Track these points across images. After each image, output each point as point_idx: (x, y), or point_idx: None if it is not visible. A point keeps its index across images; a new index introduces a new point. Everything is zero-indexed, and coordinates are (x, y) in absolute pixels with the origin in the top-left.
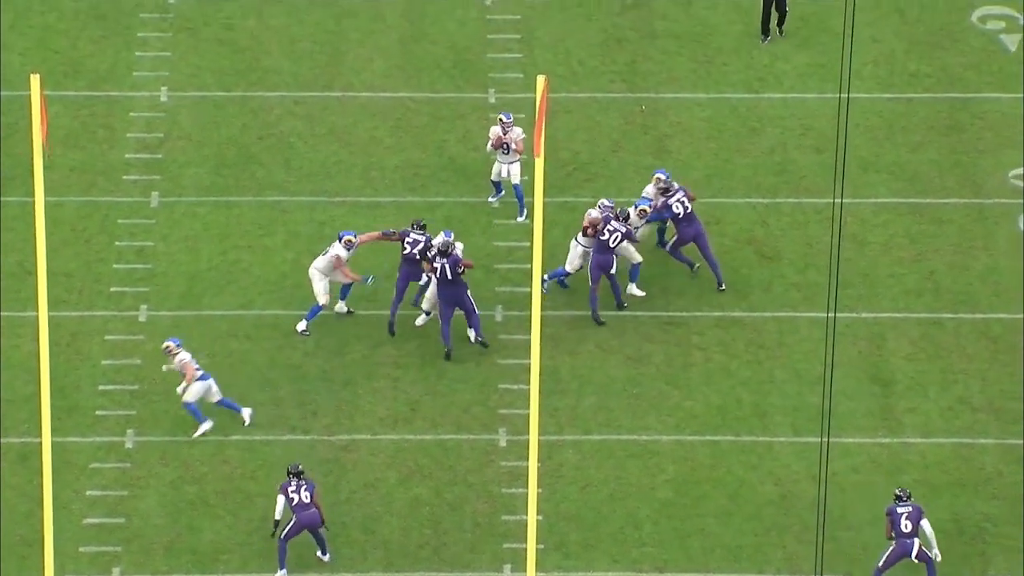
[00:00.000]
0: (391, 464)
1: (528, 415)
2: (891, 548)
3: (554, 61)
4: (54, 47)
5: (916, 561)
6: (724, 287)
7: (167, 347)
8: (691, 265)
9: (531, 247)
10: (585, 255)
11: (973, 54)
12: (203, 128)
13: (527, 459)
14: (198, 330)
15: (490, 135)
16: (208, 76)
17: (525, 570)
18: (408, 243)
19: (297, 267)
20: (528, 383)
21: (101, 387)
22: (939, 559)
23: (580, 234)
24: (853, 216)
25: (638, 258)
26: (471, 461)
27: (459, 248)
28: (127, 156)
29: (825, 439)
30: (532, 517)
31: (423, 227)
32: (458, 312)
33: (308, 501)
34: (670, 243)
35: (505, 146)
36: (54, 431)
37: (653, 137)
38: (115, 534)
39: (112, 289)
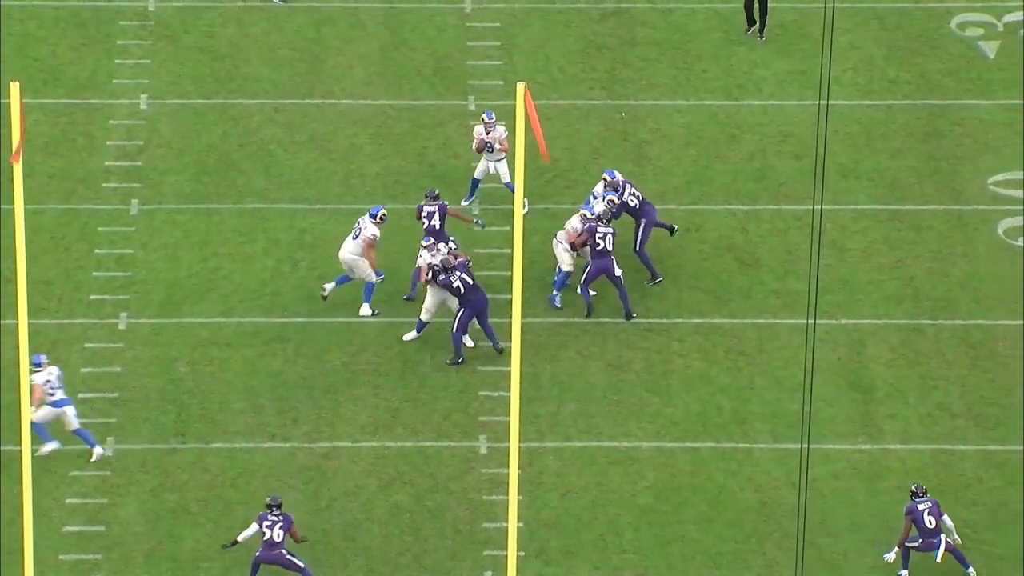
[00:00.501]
0: (372, 471)
1: (508, 422)
2: (915, 544)
3: (534, 68)
4: (34, 55)
5: (939, 559)
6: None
7: (33, 363)
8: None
9: (511, 254)
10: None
11: (952, 61)
12: (183, 136)
13: (508, 466)
14: (178, 337)
15: (474, 134)
16: (188, 84)
17: None
18: (425, 216)
19: (277, 274)
20: (508, 390)
21: (81, 395)
22: (960, 543)
23: (562, 234)
24: (833, 223)
25: (568, 264)
26: (452, 468)
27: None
28: (107, 164)
29: (805, 445)
30: (513, 524)
31: (436, 196)
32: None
33: (279, 540)
34: (637, 242)
35: (489, 145)
36: (34, 439)
37: (633, 144)
38: (95, 542)
39: (92, 297)
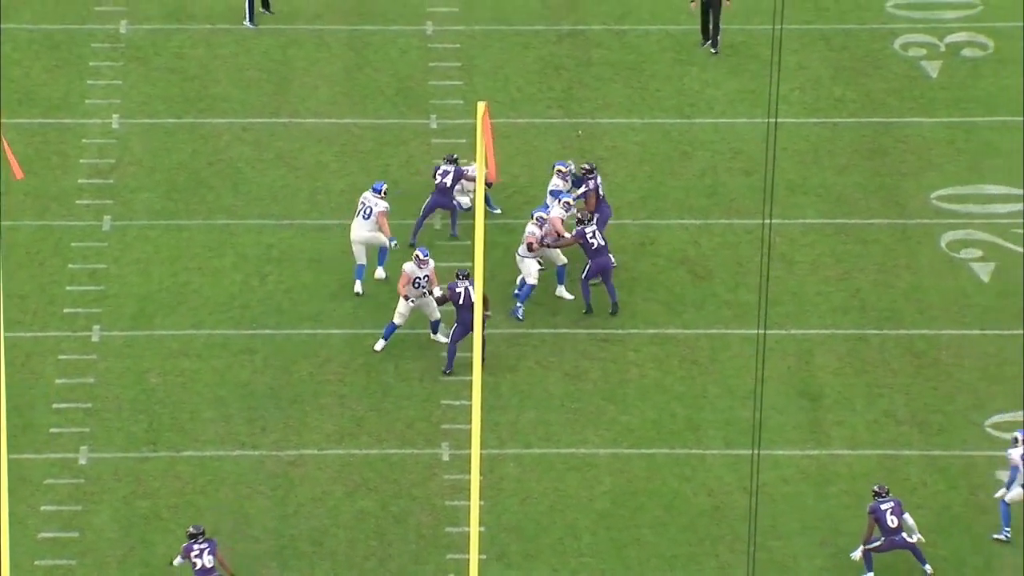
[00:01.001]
0: (337, 478)
1: (470, 430)
2: (877, 543)
3: (493, 88)
4: (8, 76)
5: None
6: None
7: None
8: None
9: (471, 267)
10: (537, 261)
11: (896, 80)
12: (154, 154)
13: (469, 472)
14: (150, 349)
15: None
16: (159, 104)
17: None
18: (439, 173)
19: (246, 288)
20: (470, 399)
21: (55, 405)
22: (923, 541)
23: (524, 248)
24: (782, 236)
25: (563, 260)
26: (415, 475)
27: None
28: (80, 181)
29: (756, 451)
30: (474, 529)
31: (454, 160)
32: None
33: (211, 566)
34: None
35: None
36: (9, 448)
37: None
38: (69, 548)
39: (66, 310)
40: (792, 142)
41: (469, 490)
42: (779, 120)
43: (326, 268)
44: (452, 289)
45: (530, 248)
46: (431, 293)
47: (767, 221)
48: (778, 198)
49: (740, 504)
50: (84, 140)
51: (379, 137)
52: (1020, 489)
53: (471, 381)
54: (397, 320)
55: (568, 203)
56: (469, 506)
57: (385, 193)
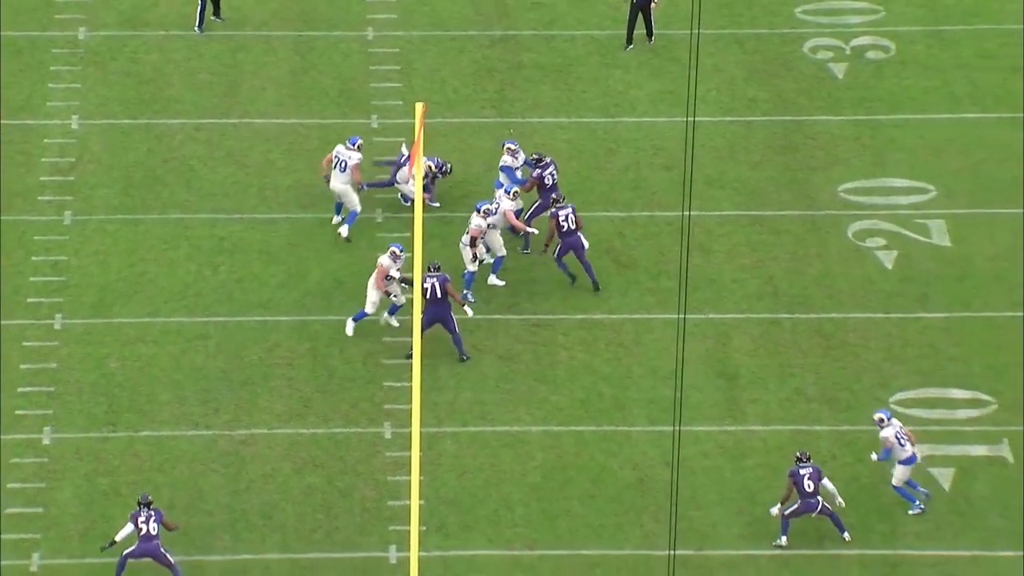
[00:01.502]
0: (286, 456)
1: (410, 409)
2: (794, 506)
3: (431, 89)
4: None
5: (816, 516)
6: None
7: None
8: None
9: (411, 258)
10: (481, 251)
11: (805, 81)
12: (112, 152)
13: (410, 449)
14: (109, 336)
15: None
16: (116, 105)
17: (409, 550)
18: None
19: (199, 278)
20: (410, 380)
21: (20, 389)
22: (843, 505)
23: (467, 237)
24: (700, 227)
25: (503, 251)
26: (359, 452)
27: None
28: (42, 178)
29: (677, 428)
30: (415, 502)
31: (446, 170)
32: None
33: (154, 533)
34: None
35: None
36: None
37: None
38: (34, 522)
39: (29, 300)
40: (709, 139)
41: (410, 466)
42: (697, 119)
43: (274, 259)
44: (423, 282)
45: (473, 240)
46: (404, 283)
47: (686, 213)
48: (696, 191)
49: (662, 477)
50: (46, 140)
51: (324, 136)
52: (900, 467)
53: (411, 364)
54: (369, 309)
55: (516, 192)
56: (410, 481)
57: (359, 147)
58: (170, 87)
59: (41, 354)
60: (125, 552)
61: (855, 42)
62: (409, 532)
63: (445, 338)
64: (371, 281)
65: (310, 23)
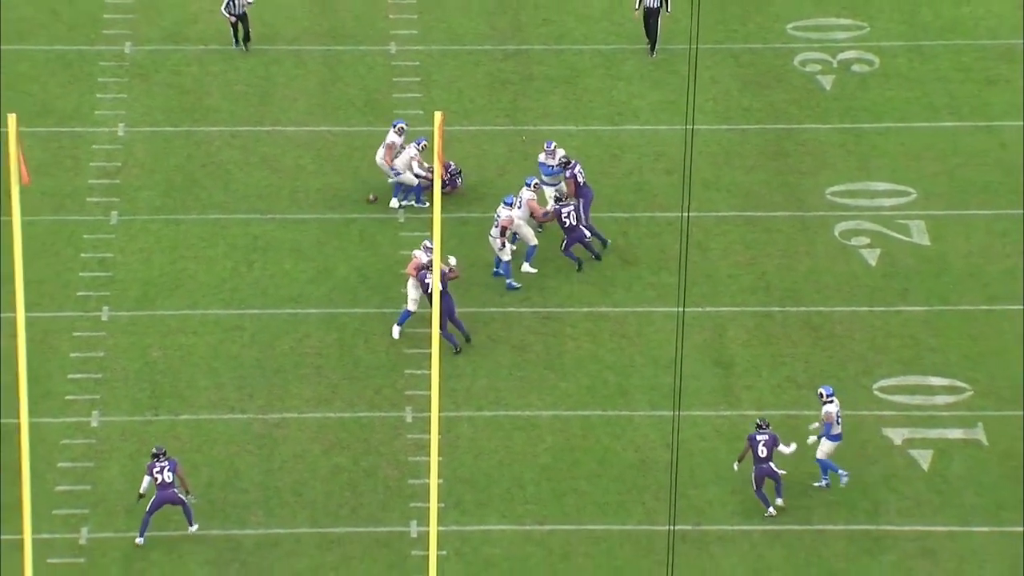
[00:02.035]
0: (315, 438)
1: (430, 395)
2: (752, 473)
3: (449, 99)
4: (28, 91)
5: (769, 479)
6: (608, 243)
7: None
8: (604, 242)
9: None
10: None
11: (796, 92)
12: (155, 158)
13: (429, 432)
14: (152, 327)
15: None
16: (158, 114)
17: (428, 525)
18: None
19: (235, 273)
20: (430, 368)
21: (70, 376)
22: (793, 449)
23: (497, 230)
24: (698, 227)
25: (534, 241)
26: (382, 434)
27: (452, 261)
28: (90, 181)
29: (676, 413)
30: (434, 481)
31: (452, 170)
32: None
33: (169, 480)
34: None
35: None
36: (30, 413)
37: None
38: (83, 499)
39: (78, 293)
40: (707, 146)
41: (429, 447)
42: (695, 127)
43: (304, 256)
44: (422, 279)
45: (503, 230)
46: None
47: (685, 214)
48: (695, 194)
49: (663, 458)
50: (94, 146)
51: (350, 143)
52: (828, 442)
53: (430, 353)
54: (411, 307)
55: (537, 184)
56: (429, 461)
57: (400, 130)
58: (208, 97)
59: (89, 344)
60: (148, 509)
61: (841, 56)
62: (428, 508)
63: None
64: (410, 282)
65: (337, 39)
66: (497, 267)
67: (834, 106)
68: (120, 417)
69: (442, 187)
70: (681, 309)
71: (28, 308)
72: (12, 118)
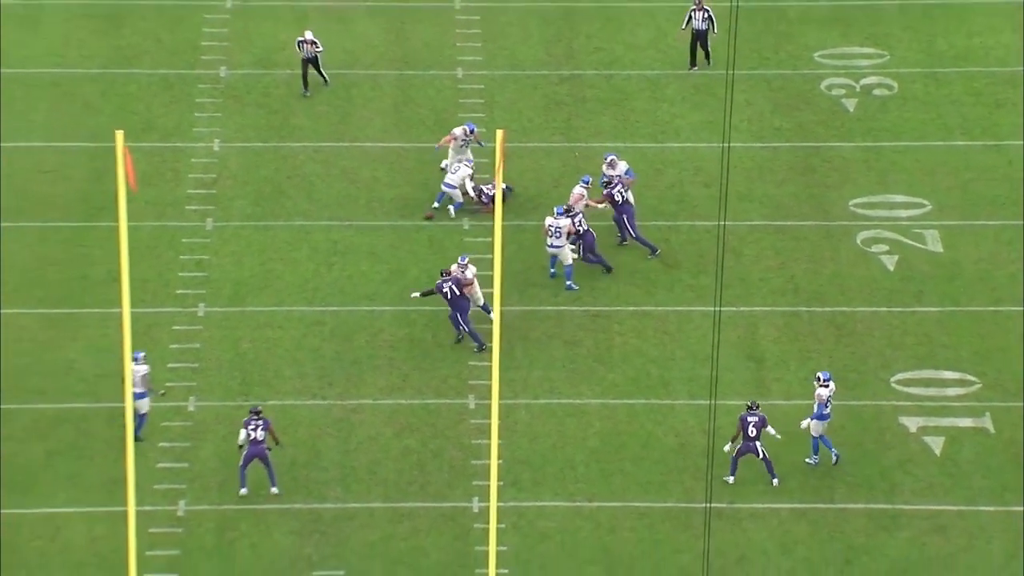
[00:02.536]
0: (388, 422)
1: (491, 384)
2: (739, 448)
3: (509, 119)
4: (133, 110)
5: (759, 458)
6: (658, 251)
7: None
8: (653, 249)
9: (492, 259)
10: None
11: (822, 113)
12: (246, 170)
13: (490, 418)
14: (243, 322)
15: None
16: (250, 131)
17: (489, 501)
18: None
19: (317, 275)
20: (491, 360)
21: (169, 365)
22: (779, 437)
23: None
24: (733, 235)
25: (570, 260)
26: (448, 419)
27: (472, 271)
28: (189, 191)
29: (713, 402)
30: (494, 461)
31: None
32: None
33: (261, 439)
34: (631, 230)
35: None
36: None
37: (583, 176)
38: (180, 475)
39: (177, 291)
40: (741, 161)
41: (490, 431)
42: (731, 144)
43: (379, 259)
44: (439, 287)
45: (571, 214)
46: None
47: (722, 223)
48: (730, 205)
49: (700, 443)
50: (192, 160)
51: (420, 157)
52: (817, 421)
53: (491, 347)
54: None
55: (591, 183)
56: (490, 444)
57: (467, 131)
58: (294, 116)
59: (187, 336)
60: (241, 464)
61: (864, 81)
62: (489, 486)
63: (520, 326)
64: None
65: (409, 64)
66: (552, 267)
67: (857, 126)
68: (214, 402)
69: (481, 204)
70: (717, 308)
71: (133, 304)
72: (119, 134)
